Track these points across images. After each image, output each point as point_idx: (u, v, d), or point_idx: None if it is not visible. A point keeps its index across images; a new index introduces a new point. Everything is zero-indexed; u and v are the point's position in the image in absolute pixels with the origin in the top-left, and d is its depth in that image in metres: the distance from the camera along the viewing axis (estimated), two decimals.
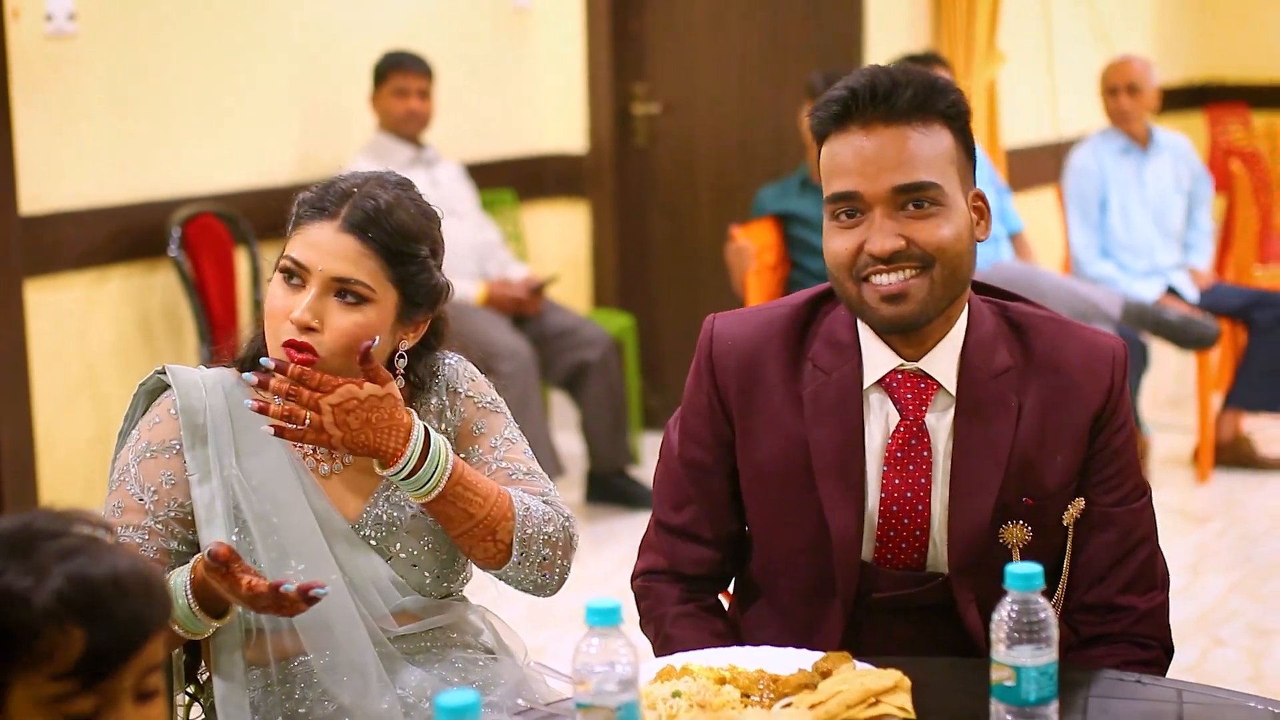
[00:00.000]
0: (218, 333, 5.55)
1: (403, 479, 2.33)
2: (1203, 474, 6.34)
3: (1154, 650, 2.39)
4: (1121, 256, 6.45)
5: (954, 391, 2.36)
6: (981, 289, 2.48)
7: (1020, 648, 1.92)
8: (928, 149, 2.32)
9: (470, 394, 2.54)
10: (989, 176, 6.24)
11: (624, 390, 6.24)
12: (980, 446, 2.35)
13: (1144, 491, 2.43)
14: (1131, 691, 2.20)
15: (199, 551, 2.36)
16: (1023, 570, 1.93)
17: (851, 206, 2.33)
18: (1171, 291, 6.44)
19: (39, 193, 5.20)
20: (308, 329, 2.35)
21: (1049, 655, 1.92)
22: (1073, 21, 8.00)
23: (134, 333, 5.55)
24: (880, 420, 2.38)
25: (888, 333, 2.36)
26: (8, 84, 5.04)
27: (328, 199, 2.40)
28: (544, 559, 2.44)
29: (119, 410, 5.50)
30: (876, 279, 2.32)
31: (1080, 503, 2.39)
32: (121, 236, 5.46)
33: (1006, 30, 7.19)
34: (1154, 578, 2.42)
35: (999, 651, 1.93)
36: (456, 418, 2.52)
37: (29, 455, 5.22)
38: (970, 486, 2.34)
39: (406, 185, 2.46)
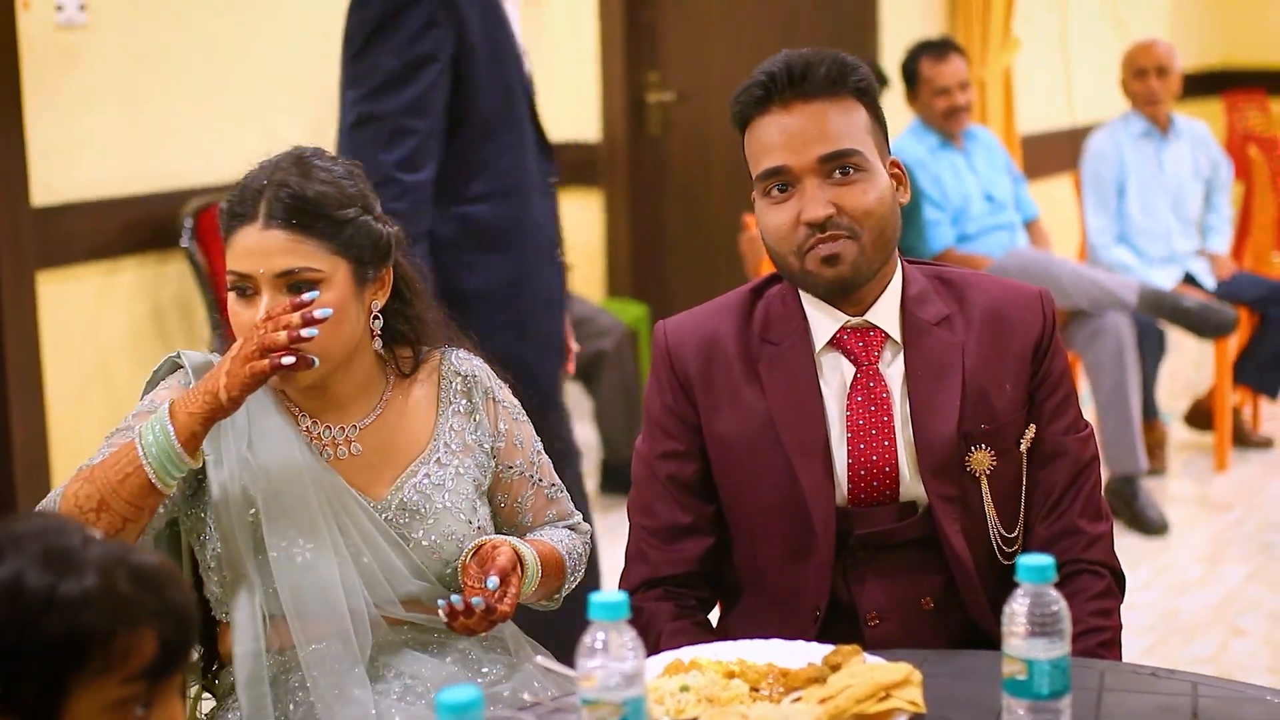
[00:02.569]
0: (230, 323, 5.53)
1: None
2: (1220, 463, 6.31)
3: (1105, 578, 2.51)
4: (1138, 243, 6.41)
5: (899, 339, 2.52)
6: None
7: (1033, 640, 1.89)
8: (845, 121, 2.47)
9: (506, 404, 2.60)
10: (1004, 163, 6.21)
11: (638, 380, 6.22)
12: (934, 379, 2.50)
13: (1087, 424, 2.59)
14: (1146, 685, 2.18)
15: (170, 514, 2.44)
16: (1035, 563, 1.91)
17: (782, 181, 2.47)
18: (1189, 279, 6.40)
19: (50, 184, 5.19)
20: None
21: (1062, 649, 1.90)
22: (1088, 7, 7.97)
23: (147, 324, 5.54)
24: (836, 376, 2.52)
25: (829, 296, 2.51)
26: (18, 75, 5.03)
27: (244, 203, 2.41)
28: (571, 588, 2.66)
29: (132, 401, 5.50)
30: (815, 248, 2.45)
31: (1033, 429, 2.53)
32: (134, 227, 5.44)
33: (1022, 16, 7.16)
34: (1100, 507, 2.56)
35: (1011, 645, 1.91)
36: (505, 426, 2.58)
37: (41, 447, 5.21)
38: (932, 416, 2.49)
39: (313, 153, 2.48)
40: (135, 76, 5.43)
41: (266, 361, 2.28)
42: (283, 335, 2.29)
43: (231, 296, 2.43)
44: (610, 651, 1.80)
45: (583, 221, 7.25)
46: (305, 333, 2.29)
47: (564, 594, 2.64)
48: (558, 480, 2.66)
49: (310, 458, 2.44)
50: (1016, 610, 1.90)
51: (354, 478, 2.46)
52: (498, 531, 2.58)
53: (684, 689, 2.06)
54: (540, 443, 2.65)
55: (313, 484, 2.42)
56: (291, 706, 2.40)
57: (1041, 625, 1.89)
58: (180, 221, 5.43)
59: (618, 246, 7.26)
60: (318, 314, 2.30)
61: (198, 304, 5.56)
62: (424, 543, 2.45)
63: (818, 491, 2.48)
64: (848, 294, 2.50)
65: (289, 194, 2.39)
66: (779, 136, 2.46)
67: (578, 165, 7.19)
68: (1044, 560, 1.91)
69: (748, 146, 2.52)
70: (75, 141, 5.27)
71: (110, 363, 5.43)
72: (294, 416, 2.48)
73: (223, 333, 5.68)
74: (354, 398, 2.49)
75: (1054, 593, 1.91)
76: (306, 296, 2.32)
